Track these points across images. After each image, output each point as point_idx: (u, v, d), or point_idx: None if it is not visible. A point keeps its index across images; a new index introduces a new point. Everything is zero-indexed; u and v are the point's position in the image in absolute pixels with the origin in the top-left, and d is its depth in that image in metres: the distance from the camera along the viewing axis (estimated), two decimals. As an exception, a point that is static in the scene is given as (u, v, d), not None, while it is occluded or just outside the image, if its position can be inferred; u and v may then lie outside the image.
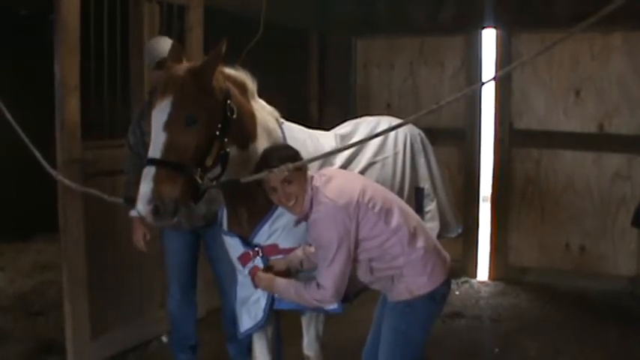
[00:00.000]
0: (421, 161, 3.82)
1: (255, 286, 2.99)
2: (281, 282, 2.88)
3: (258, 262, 3.02)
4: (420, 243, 2.79)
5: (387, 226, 2.74)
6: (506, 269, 6.42)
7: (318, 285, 2.72)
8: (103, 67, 4.33)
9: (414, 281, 2.78)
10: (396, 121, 3.69)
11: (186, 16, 4.85)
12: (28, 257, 6.86)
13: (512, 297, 5.97)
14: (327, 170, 2.99)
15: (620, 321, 5.31)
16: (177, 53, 2.79)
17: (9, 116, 3.01)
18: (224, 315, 4.08)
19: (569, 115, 6.18)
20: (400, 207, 2.85)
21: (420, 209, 3.79)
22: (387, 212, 2.75)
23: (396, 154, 3.66)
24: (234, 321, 3.64)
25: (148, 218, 2.46)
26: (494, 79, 4.66)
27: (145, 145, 3.71)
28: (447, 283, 2.88)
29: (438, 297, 2.85)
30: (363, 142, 3.12)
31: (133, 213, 3.76)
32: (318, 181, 2.76)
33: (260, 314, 3.08)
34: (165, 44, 3.54)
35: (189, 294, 4.03)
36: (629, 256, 6.03)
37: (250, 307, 3.11)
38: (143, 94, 4.50)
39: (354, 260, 2.78)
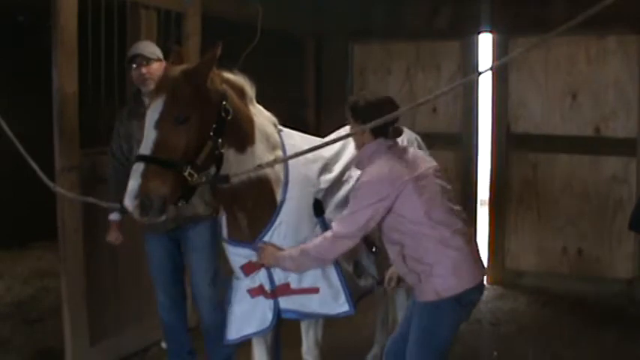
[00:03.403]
0: None
1: (262, 264, 3.01)
2: (283, 253, 2.92)
3: (263, 273, 3.03)
4: (456, 245, 2.82)
5: (427, 218, 2.79)
6: (504, 273, 6.42)
7: (332, 233, 2.81)
8: (101, 74, 4.33)
9: (441, 282, 2.81)
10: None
11: (183, 24, 4.87)
12: (26, 264, 6.85)
13: (511, 300, 5.98)
14: (408, 147, 3.09)
15: (618, 324, 5.31)
16: (179, 55, 2.83)
17: (6, 128, 3.02)
18: (202, 326, 4.01)
19: (565, 118, 6.20)
20: (447, 207, 2.87)
21: None
22: (431, 205, 2.80)
23: None
24: (212, 332, 3.67)
25: (134, 214, 2.48)
26: (490, 69, 4.69)
27: (122, 149, 3.74)
28: (477, 290, 2.89)
29: (465, 301, 2.86)
30: (343, 139, 3.11)
31: (112, 217, 3.82)
32: (393, 148, 2.90)
33: (266, 324, 3.10)
34: (145, 44, 3.76)
35: (177, 301, 3.99)
36: (626, 259, 6.04)
37: (256, 314, 3.12)
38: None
39: (389, 242, 2.90)
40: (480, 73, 4.49)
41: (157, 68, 3.64)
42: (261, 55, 5.18)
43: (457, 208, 2.96)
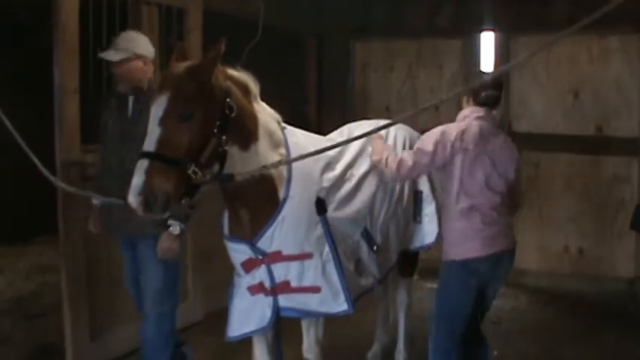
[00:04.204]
0: None
1: (262, 261, 3.01)
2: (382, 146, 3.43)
3: (263, 270, 3.03)
4: (470, 218, 3.23)
5: (459, 185, 3.23)
6: (505, 272, 6.42)
7: (400, 158, 3.29)
8: (102, 70, 4.33)
9: (450, 246, 3.33)
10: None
11: (184, 19, 4.87)
12: (27, 260, 6.85)
13: (512, 299, 5.97)
14: (501, 133, 3.45)
15: (619, 323, 5.32)
16: (183, 52, 2.83)
17: (7, 122, 3.02)
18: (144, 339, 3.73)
19: (567, 117, 6.19)
20: (485, 188, 3.23)
21: (418, 212, 3.80)
22: (469, 178, 3.22)
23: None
24: (147, 342, 3.62)
25: (138, 210, 2.47)
26: (492, 74, 4.71)
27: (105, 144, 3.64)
28: (485, 261, 3.24)
29: (471, 268, 3.26)
30: (348, 142, 3.22)
31: (94, 201, 3.67)
32: (482, 119, 3.31)
33: (265, 322, 3.10)
34: (120, 40, 3.52)
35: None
36: (627, 259, 6.04)
37: (255, 312, 3.12)
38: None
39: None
40: (482, 78, 4.51)
41: (129, 67, 3.47)
42: (262, 53, 5.17)
43: (496, 193, 3.27)
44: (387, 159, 3.33)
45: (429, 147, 3.23)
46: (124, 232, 3.62)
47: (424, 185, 3.82)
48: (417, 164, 3.26)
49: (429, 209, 3.84)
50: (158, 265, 3.55)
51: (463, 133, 3.23)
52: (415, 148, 3.32)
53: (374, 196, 3.41)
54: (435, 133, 3.28)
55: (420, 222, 3.83)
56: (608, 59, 6.01)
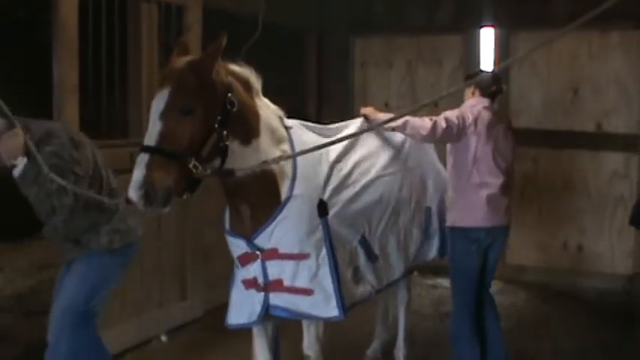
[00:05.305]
0: (429, 183, 3.89)
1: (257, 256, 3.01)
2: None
3: (257, 266, 3.02)
4: (477, 191, 3.62)
5: (473, 161, 3.62)
6: (505, 268, 6.40)
7: (435, 120, 3.57)
8: (102, 67, 4.32)
9: (456, 214, 3.70)
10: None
11: (184, 16, 4.86)
12: (26, 257, 6.84)
13: (511, 296, 5.98)
14: (502, 126, 3.81)
15: (618, 319, 5.33)
16: (184, 47, 2.82)
17: (8, 111, 3.01)
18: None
19: (567, 113, 6.19)
20: (494, 169, 3.65)
21: (427, 227, 3.90)
22: (481, 157, 3.62)
23: (404, 170, 3.70)
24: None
25: (139, 205, 2.46)
26: (492, 72, 4.71)
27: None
28: (484, 231, 3.67)
29: (472, 237, 3.69)
30: (351, 137, 3.30)
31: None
32: (489, 109, 3.73)
33: (254, 317, 3.10)
34: None
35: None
36: (626, 255, 6.05)
37: (246, 305, 3.12)
38: (141, 94, 4.51)
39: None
40: (483, 72, 4.54)
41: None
42: (262, 49, 5.16)
43: (501, 175, 3.69)
44: (409, 122, 3.56)
45: (454, 119, 3.61)
46: (65, 259, 3.52)
47: (432, 202, 3.88)
48: (448, 129, 3.58)
49: (435, 225, 3.91)
50: (74, 282, 3.46)
51: (476, 119, 3.64)
52: (442, 117, 3.61)
53: (374, 205, 3.42)
54: (455, 111, 3.69)
55: (428, 237, 3.89)
56: (608, 55, 6.01)
